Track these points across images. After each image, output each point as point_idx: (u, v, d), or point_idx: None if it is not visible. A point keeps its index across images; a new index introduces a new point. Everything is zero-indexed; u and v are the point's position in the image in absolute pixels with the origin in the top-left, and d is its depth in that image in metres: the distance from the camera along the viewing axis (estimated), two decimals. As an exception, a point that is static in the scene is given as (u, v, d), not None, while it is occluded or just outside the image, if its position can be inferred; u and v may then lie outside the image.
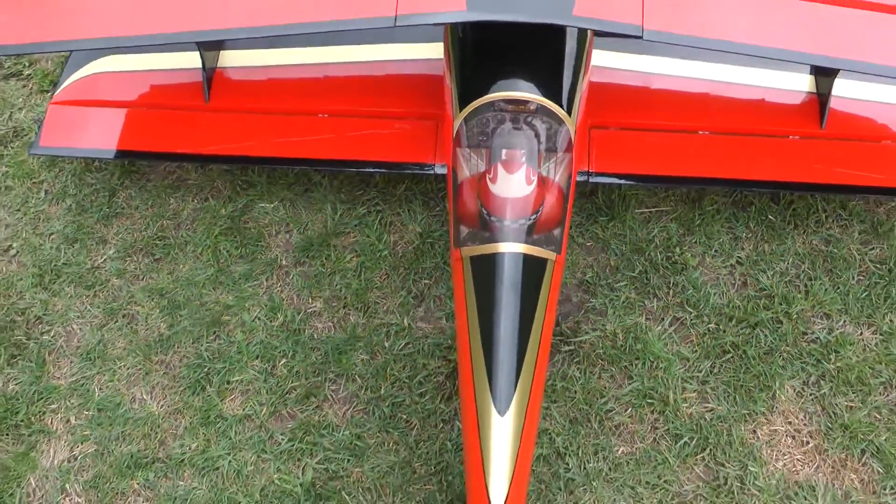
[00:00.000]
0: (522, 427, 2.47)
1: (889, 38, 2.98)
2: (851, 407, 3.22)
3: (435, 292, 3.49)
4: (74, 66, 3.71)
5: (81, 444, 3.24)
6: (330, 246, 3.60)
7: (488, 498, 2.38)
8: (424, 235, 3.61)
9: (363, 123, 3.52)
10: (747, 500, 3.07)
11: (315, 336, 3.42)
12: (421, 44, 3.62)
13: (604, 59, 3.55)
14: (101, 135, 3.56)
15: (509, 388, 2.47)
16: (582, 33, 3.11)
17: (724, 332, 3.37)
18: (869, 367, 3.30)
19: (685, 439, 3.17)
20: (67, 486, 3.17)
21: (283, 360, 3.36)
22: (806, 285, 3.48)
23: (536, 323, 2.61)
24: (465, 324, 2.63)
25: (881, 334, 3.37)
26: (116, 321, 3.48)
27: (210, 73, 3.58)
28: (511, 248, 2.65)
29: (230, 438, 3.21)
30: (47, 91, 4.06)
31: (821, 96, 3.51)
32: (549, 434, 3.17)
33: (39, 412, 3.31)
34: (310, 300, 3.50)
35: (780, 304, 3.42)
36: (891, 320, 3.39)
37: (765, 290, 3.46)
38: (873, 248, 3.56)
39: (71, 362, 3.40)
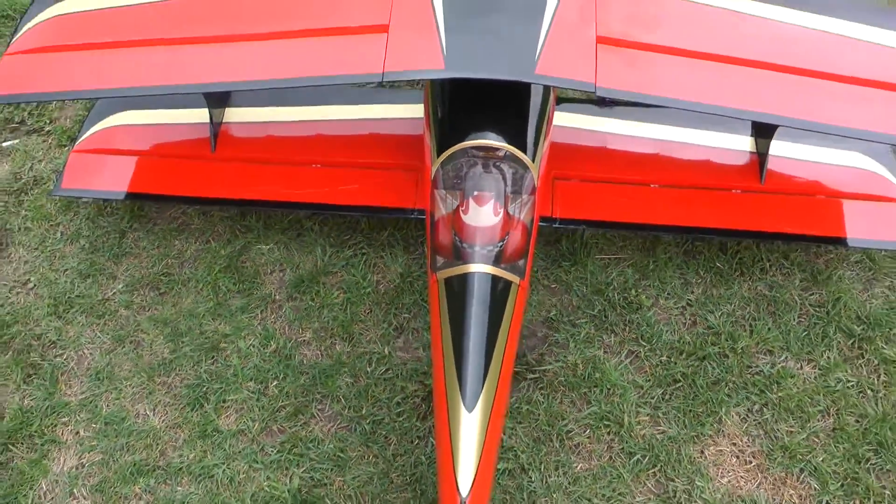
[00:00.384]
0: (488, 423, 2.62)
1: (818, 99, 3.08)
2: (791, 431, 3.37)
3: (413, 325, 3.64)
4: (94, 119, 3.94)
5: (89, 453, 3.39)
6: (319, 283, 3.76)
7: (456, 484, 2.51)
8: (405, 275, 3.78)
9: (351, 173, 3.75)
10: (694, 511, 3.21)
11: (304, 362, 3.56)
12: (402, 105, 3.89)
13: (568, 120, 3.81)
14: (116, 179, 3.78)
15: (476, 387, 2.65)
16: (545, 92, 3.36)
17: (675, 363, 3.52)
18: (808, 397, 3.44)
19: (638, 456, 3.31)
20: (75, 490, 3.31)
21: (275, 382, 3.51)
22: (751, 325, 3.62)
23: (502, 335, 2.81)
24: (439, 334, 2.82)
25: (819, 369, 3.52)
26: (124, 346, 3.63)
27: (217, 128, 3.83)
28: (480, 268, 2.86)
29: (225, 450, 3.35)
30: (65, 145, 4.27)
31: (760, 155, 3.74)
32: (515, 451, 3.31)
33: (52, 424, 3.46)
34: (300, 330, 3.65)
35: (727, 341, 3.56)
36: (828, 357, 3.54)
37: (713, 328, 3.61)
38: (813, 294, 3.71)
39: (81, 382, 3.55)
